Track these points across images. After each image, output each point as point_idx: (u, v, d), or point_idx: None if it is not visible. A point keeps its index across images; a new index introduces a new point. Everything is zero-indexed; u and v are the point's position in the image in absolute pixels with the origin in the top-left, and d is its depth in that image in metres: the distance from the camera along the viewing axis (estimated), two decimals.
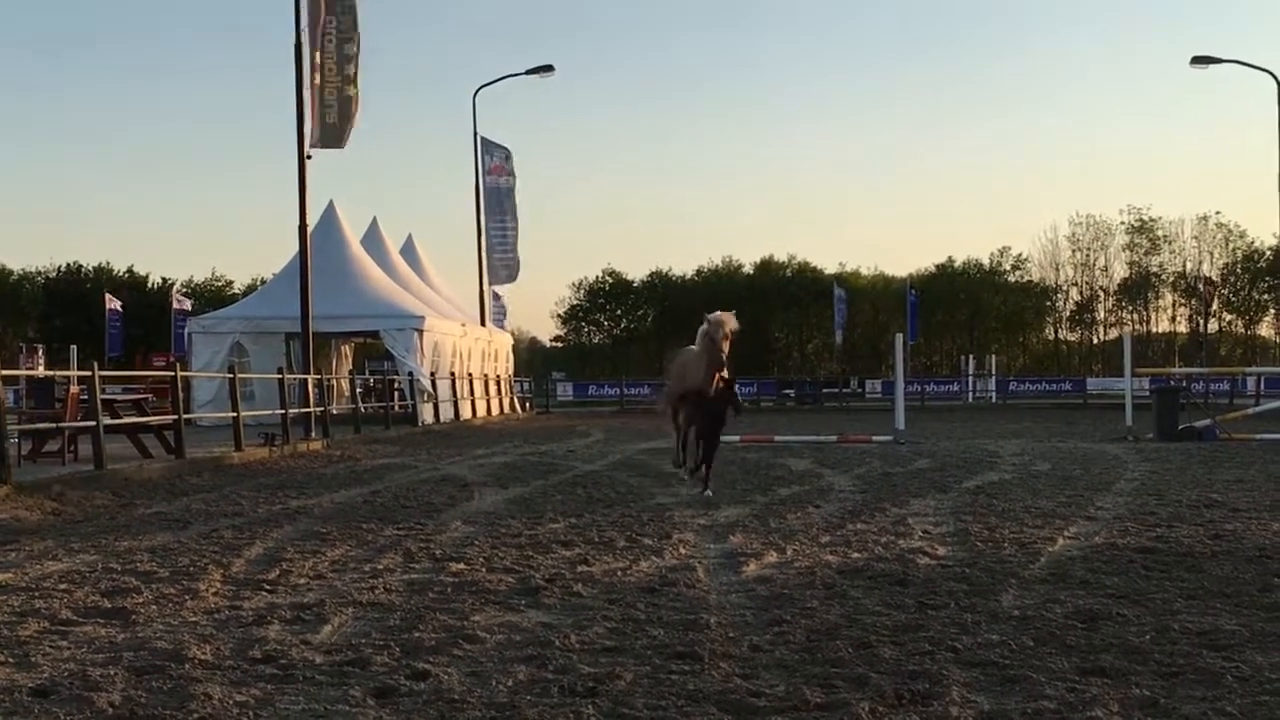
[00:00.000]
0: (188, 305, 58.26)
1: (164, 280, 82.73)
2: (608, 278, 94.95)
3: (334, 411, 32.66)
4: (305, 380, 28.30)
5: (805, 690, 5.69)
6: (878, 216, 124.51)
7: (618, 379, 70.82)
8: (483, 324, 48.27)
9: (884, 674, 5.99)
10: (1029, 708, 5.40)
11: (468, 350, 44.00)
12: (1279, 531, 11.01)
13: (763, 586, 8.49)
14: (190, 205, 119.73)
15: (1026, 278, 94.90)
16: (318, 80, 28.20)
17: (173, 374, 21.62)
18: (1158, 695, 5.53)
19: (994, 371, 72.04)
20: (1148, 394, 33.63)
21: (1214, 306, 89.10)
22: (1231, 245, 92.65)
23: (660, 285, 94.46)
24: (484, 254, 48.69)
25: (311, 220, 30.43)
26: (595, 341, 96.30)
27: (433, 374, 38.20)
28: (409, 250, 50.14)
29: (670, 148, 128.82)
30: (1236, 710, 5.26)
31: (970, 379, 69.03)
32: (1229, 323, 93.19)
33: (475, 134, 48.66)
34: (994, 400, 63.85)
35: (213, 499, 14.96)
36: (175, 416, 20.01)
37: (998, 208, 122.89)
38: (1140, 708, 5.36)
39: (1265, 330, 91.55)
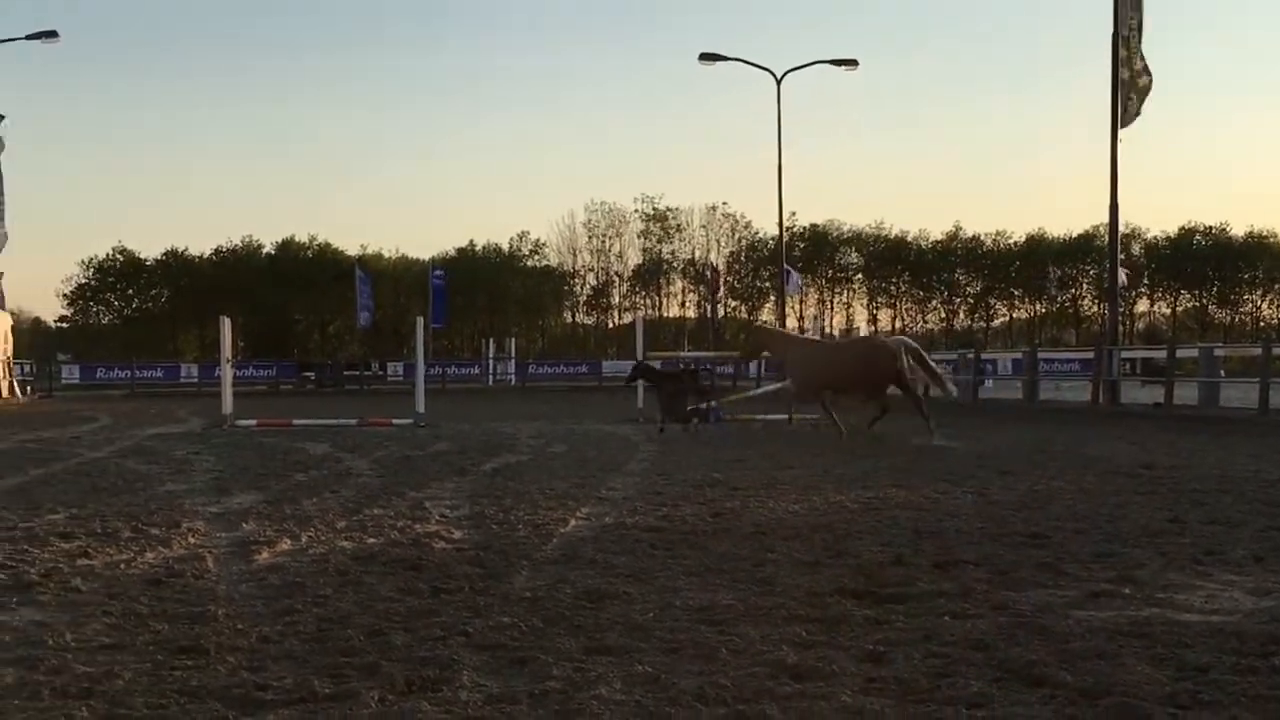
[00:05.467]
0: None
1: None
2: (119, 255, 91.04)
3: None
4: None
5: (314, 681, 5.58)
6: (399, 198, 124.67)
7: (129, 362, 67.93)
8: None
9: (395, 661, 5.95)
10: (536, 689, 5.48)
11: None
12: (774, 509, 11.64)
13: (275, 575, 8.30)
14: None
15: (545, 262, 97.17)
16: None
17: None
18: (659, 671, 5.72)
19: (514, 354, 73.29)
20: None
21: (720, 293, 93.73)
22: (737, 235, 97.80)
23: (175, 264, 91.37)
24: None
25: None
26: (105, 322, 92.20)
27: None
28: None
29: (186, 121, 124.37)
30: (730, 682, 5.50)
31: (491, 362, 70.04)
32: (734, 308, 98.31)
33: None
34: (514, 383, 64.95)
35: None
36: None
37: (518, 193, 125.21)
38: (642, 684, 5.53)
39: (766, 315, 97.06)
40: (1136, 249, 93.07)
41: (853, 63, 52.03)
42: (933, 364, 21.86)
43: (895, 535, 9.84)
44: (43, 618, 7.03)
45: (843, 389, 22.37)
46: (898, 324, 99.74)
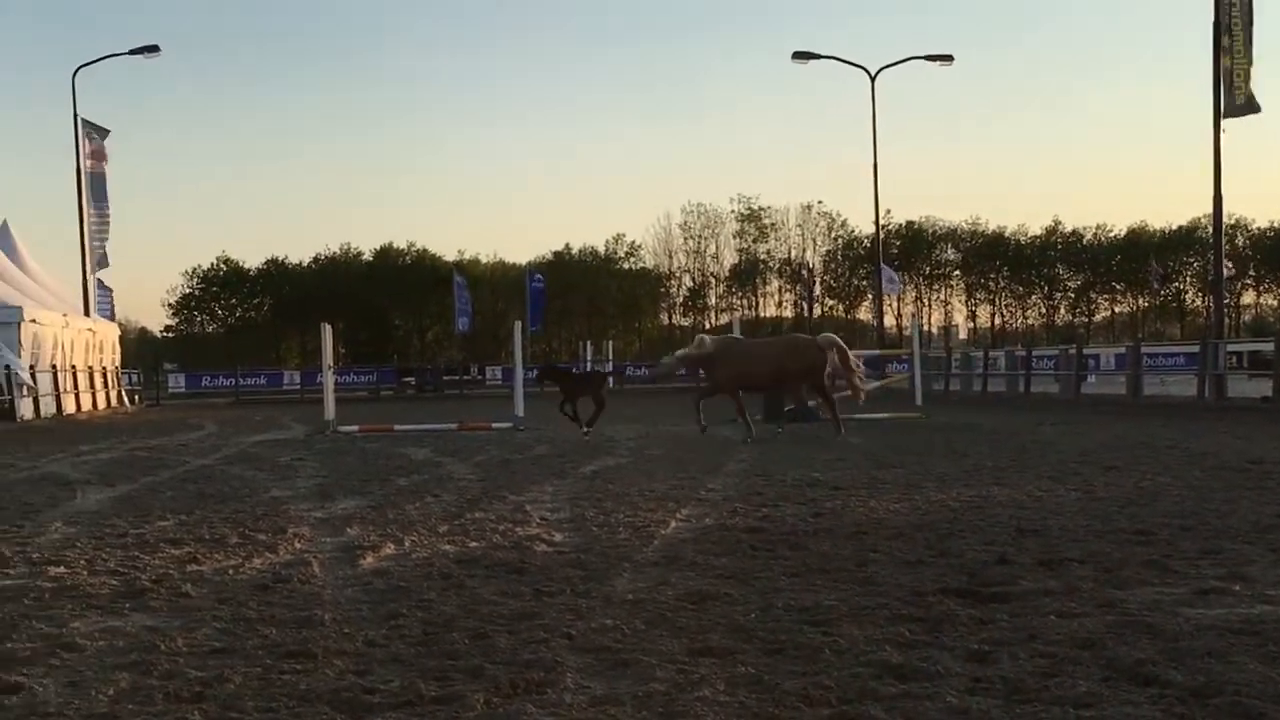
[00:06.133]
0: None
1: None
2: (222, 265, 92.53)
3: None
4: None
5: (420, 684, 5.64)
6: (495, 204, 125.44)
7: (233, 370, 68.89)
8: (87, 314, 46.20)
9: (499, 664, 5.99)
10: (640, 690, 5.49)
11: (70, 342, 42.11)
12: (875, 508, 11.57)
13: (379, 579, 8.38)
14: None
15: (641, 265, 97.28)
16: None
17: None
18: (762, 672, 5.71)
19: (611, 357, 73.40)
20: None
21: (817, 291, 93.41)
22: (833, 233, 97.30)
23: (276, 273, 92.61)
24: (86, 242, 46.58)
25: None
26: (209, 331, 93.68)
27: (32, 367, 36.38)
28: (4, 237, 47.55)
29: (285, 131, 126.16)
30: (834, 683, 5.48)
31: (588, 365, 70.14)
32: (831, 307, 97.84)
33: (75, 115, 46.48)
34: (611, 385, 64.92)
35: None
36: None
37: (613, 196, 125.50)
38: (745, 685, 5.53)
39: (864, 314, 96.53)
40: (1241, 240, 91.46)
41: (948, 58, 51.61)
42: (854, 365, 22.65)
43: (998, 534, 9.75)
44: (154, 623, 7.16)
45: (763, 385, 23.33)
46: (997, 320, 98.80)
